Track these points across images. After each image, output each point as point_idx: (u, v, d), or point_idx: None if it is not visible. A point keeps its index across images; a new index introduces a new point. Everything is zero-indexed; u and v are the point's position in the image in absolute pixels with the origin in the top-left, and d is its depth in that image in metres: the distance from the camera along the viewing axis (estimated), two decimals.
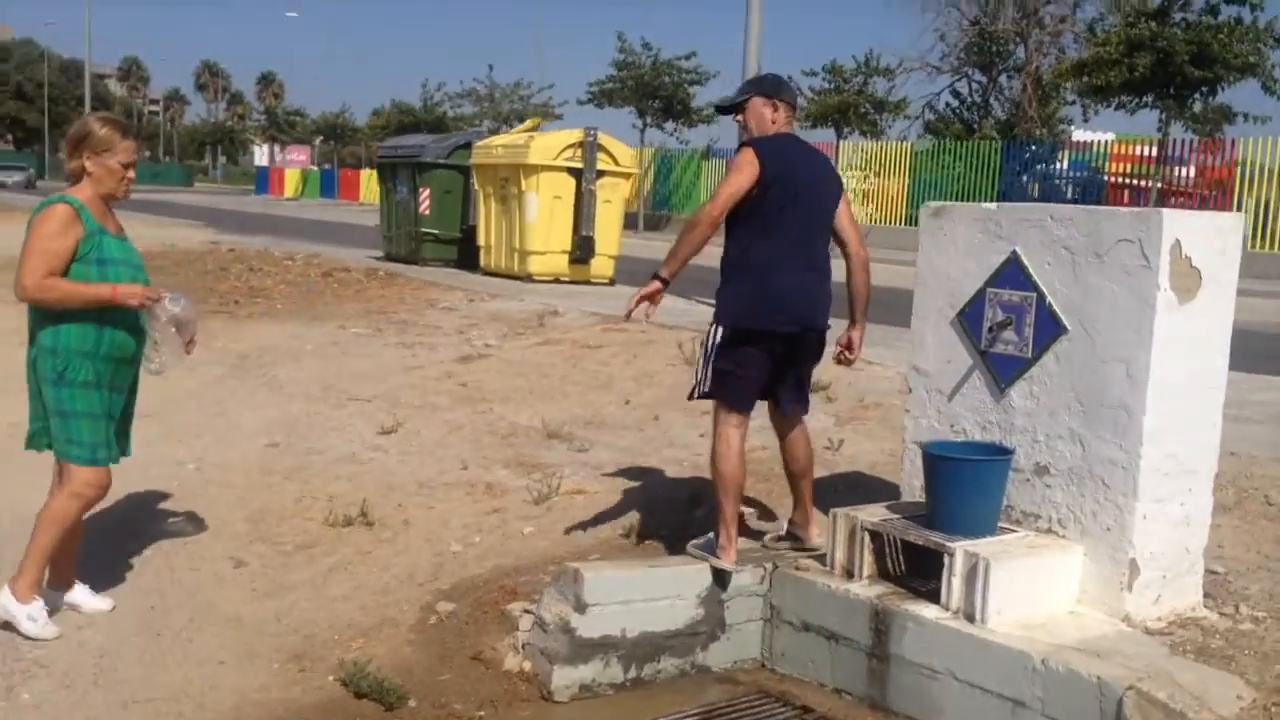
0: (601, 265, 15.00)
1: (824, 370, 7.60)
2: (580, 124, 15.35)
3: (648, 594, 4.51)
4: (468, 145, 16.28)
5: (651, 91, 36.37)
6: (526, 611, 4.54)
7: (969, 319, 4.68)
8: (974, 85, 40.15)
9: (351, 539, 5.31)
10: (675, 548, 5.14)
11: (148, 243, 19.37)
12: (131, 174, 4.57)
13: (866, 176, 33.32)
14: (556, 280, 14.65)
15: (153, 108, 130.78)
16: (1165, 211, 4.07)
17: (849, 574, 4.59)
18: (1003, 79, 40.51)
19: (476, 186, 15.60)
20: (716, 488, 4.77)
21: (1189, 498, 4.30)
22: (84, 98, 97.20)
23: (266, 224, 31.35)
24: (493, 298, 12.50)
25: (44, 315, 4.41)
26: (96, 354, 4.41)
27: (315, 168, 73.62)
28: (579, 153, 14.51)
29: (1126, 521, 4.17)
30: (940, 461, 4.38)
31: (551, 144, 14.66)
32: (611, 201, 14.98)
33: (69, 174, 4.54)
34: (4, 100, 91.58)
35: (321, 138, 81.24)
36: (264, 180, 70.60)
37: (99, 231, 4.44)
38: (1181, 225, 4.09)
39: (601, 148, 14.76)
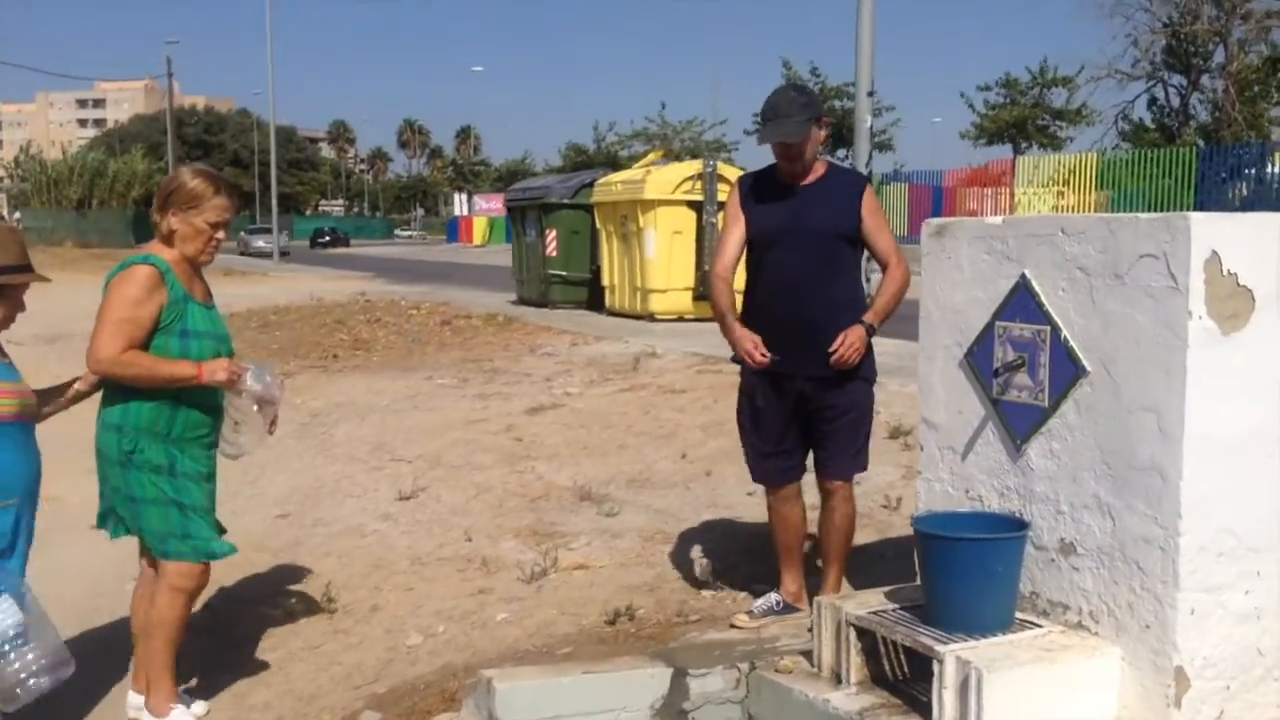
0: None
1: (907, 415, 6.75)
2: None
3: (584, 707, 3.76)
4: (593, 184, 15.84)
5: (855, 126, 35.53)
6: None
7: (978, 359, 3.79)
8: (1170, 90, 37.64)
9: (305, 631, 4.77)
10: (670, 633, 4.40)
11: (296, 295, 19.85)
12: (220, 235, 3.99)
13: (1061, 193, 31.51)
14: (680, 318, 14.00)
15: (362, 166, 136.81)
16: (1195, 216, 3.13)
17: (837, 678, 3.75)
18: (1204, 80, 37.89)
19: (599, 225, 15.13)
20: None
21: (1256, 584, 3.30)
22: (297, 161, 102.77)
23: (435, 272, 31.88)
24: (598, 340, 11.96)
25: (113, 388, 3.92)
26: (169, 435, 3.89)
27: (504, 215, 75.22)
28: (698, 185, 13.86)
29: (1168, 617, 3.22)
30: (931, 541, 3.51)
31: (669, 177, 14.06)
32: None
33: (156, 231, 4.01)
34: (222, 167, 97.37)
35: (505, 185, 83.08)
36: (454, 229, 72.60)
37: (184, 299, 3.91)
38: (1219, 233, 3.15)
39: (722, 178, 14.06)
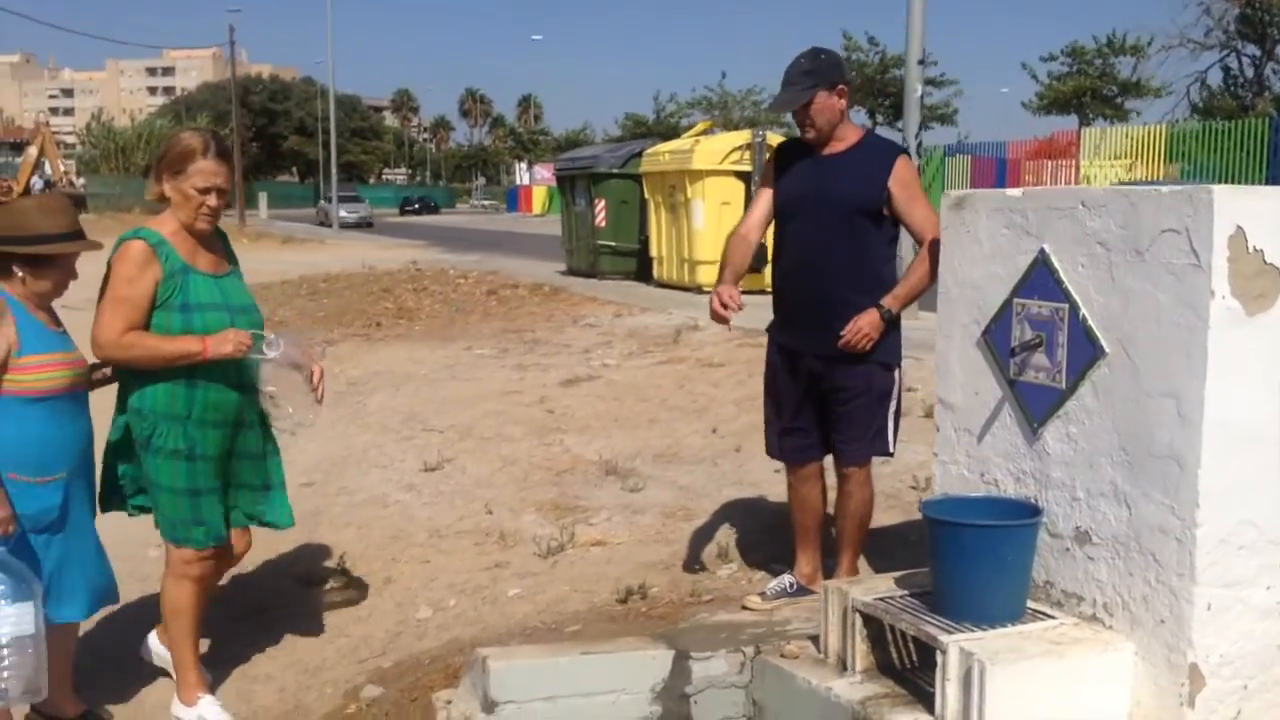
0: None
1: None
2: None
3: (582, 688, 3.68)
4: (642, 154, 15.69)
5: (880, 89, 34.93)
6: (450, 703, 3.82)
7: (996, 338, 3.65)
8: (1244, 60, 36.55)
9: (317, 600, 4.73)
10: (681, 613, 4.31)
11: (349, 263, 19.96)
12: (211, 201, 3.70)
13: (1131, 165, 30.75)
14: None
15: (425, 135, 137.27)
16: (1218, 189, 2.96)
17: (843, 665, 3.64)
18: (1279, 50, 36.76)
19: (647, 195, 14.99)
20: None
21: (1278, 579, 3.14)
22: (360, 130, 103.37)
23: (491, 241, 31.92)
24: (643, 312, 11.85)
25: (131, 372, 3.77)
26: (188, 418, 3.71)
27: None
28: (747, 155, 13.66)
29: (1183, 612, 3.07)
30: (939, 527, 3.38)
31: (717, 147, 13.88)
32: None
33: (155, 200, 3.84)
34: (288, 135, 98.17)
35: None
36: (514, 199, 72.74)
37: (183, 270, 3.70)
38: (1244, 207, 2.97)
39: (771, 148, 13.84)
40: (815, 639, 3.82)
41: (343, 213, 45.70)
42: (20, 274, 3.63)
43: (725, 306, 4.11)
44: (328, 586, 4.82)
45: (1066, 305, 3.37)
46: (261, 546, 5.36)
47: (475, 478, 6.20)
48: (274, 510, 4.04)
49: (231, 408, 3.81)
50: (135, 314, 3.65)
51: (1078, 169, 29.82)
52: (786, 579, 4.40)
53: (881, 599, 3.57)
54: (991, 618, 3.31)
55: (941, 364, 3.89)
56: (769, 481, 5.86)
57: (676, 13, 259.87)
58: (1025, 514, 3.41)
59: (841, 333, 4.09)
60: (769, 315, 4.49)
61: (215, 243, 3.92)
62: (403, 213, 66.93)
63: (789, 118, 4.95)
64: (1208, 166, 28.20)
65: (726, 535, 5.07)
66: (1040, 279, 3.46)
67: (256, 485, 3.99)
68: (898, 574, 3.82)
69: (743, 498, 5.61)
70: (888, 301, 4.18)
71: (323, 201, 50.77)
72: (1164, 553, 3.11)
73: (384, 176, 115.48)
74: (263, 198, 57.42)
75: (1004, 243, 3.60)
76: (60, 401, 3.64)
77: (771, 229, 4.49)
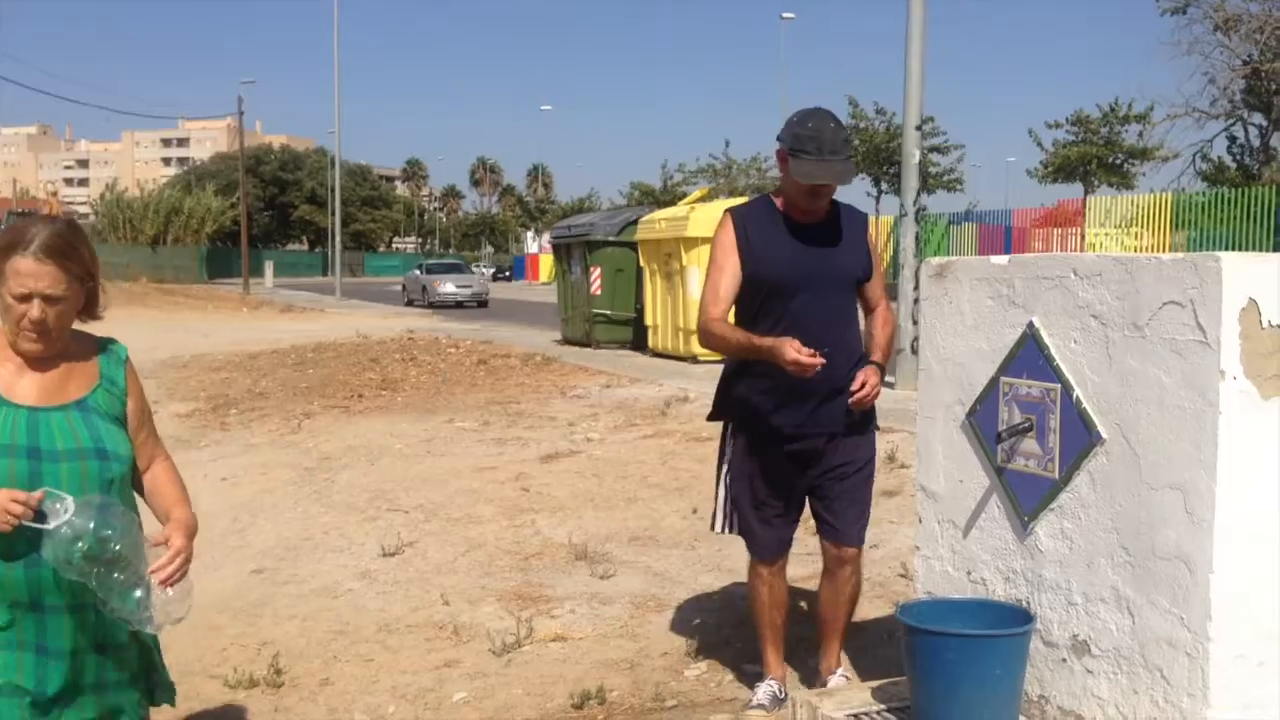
0: None
1: None
2: None
3: None
4: (638, 221, 15.44)
5: (886, 157, 34.81)
6: None
7: (982, 421, 3.28)
8: (1250, 129, 36.38)
9: (242, 708, 4.31)
10: None
11: (344, 332, 19.68)
12: (34, 313, 2.58)
13: (1137, 234, 30.47)
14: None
15: (435, 204, 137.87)
16: (1227, 256, 2.60)
17: None
18: None
19: (642, 264, 14.70)
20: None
21: None
22: (370, 199, 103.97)
23: (493, 310, 31.67)
24: (633, 383, 11.50)
25: None
26: None
27: None
28: None
29: None
30: (917, 635, 2.98)
31: (714, 214, 13.53)
32: None
33: None
34: (299, 204, 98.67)
35: None
36: (520, 267, 72.74)
37: None
38: (1257, 276, 2.61)
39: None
40: None
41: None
42: None
43: (812, 354, 3.61)
44: (257, 690, 4.39)
45: (1059, 385, 3.00)
46: (198, 642, 4.98)
47: (436, 563, 5.80)
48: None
49: (20, 588, 2.59)
50: None
51: (1083, 237, 29.57)
52: (774, 686, 3.97)
53: (855, 715, 3.18)
54: None
55: (923, 448, 3.52)
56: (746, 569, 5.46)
57: (684, 82, 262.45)
58: (1015, 621, 3.01)
59: (852, 390, 3.70)
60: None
61: (76, 364, 2.77)
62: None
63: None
64: (1214, 235, 27.91)
65: (697, 631, 4.67)
66: (1029, 356, 3.10)
67: (110, 683, 2.76)
68: (876, 684, 3.42)
69: (719, 586, 5.21)
70: (876, 357, 3.87)
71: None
72: (1173, 669, 2.71)
73: (394, 245, 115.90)
74: (269, 266, 57.44)
75: (989, 315, 3.25)
76: None
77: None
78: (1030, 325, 3.09)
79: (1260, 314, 2.60)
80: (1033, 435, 3.09)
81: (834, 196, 3.95)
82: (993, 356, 3.23)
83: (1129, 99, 32.24)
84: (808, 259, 3.84)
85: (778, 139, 3.87)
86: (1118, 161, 31.13)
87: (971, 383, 3.31)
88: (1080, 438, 2.94)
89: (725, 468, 4.12)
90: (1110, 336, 2.86)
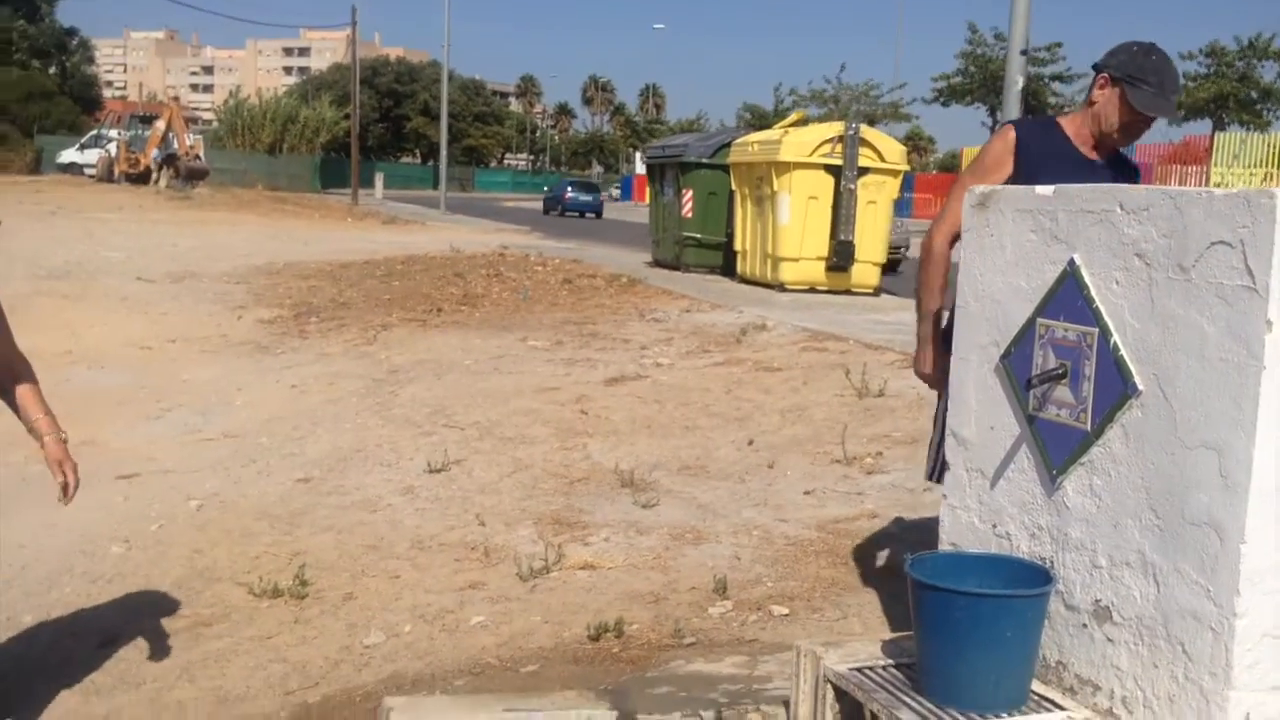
0: (864, 273, 13.36)
1: None
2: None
3: None
4: (732, 144, 15.08)
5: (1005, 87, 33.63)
6: None
7: (1016, 365, 3.04)
8: None
9: (265, 616, 4.30)
10: (655, 658, 3.79)
11: (439, 245, 19.72)
12: None
13: (1269, 175, 29.06)
14: (812, 289, 13.19)
15: (549, 122, 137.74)
16: None
17: None
18: None
19: (734, 187, 14.39)
20: None
21: None
22: (483, 114, 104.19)
23: (593, 229, 31.59)
24: (714, 308, 11.29)
25: None
26: None
27: None
28: (838, 148, 12.97)
29: None
30: (924, 591, 2.79)
31: (807, 139, 13.21)
32: (877, 202, 13.31)
33: None
34: (414, 117, 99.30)
35: None
36: (628, 187, 72.43)
37: None
38: None
39: (865, 142, 13.15)
40: (788, 704, 3.27)
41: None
42: None
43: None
44: (281, 600, 4.38)
45: (1096, 330, 2.75)
46: (233, 548, 5.00)
47: (480, 482, 5.74)
48: None
49: None
50: None
51: (1208, 177, 28.29)
52: None
53: (859, 669, 3.00)
54: (984, 705, 2.73)
55: (955, 391, 3.29)
56: (794, 504, 5.31)
57: (799, 4, 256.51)
58: (1034, 580, 2.81)
59: None
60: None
61: None
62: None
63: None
64: None
65: (729, 567, 4.52)
66: (1068, 296, 2.85)
67: None
68: (888, 637, 3.24)
69: (760, 522, 5.05)
70: None
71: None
72: (1195, 644, 2.48)
73: (505, 161, 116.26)
74: (379, 178, 57.96)
75: (1030, 250, 2.99)
76: None
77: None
78: (1071, 263, 2.83)
79: None
80: (1066, 383, 2.85)
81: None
82: (1031, 295, 2.98)
83: (1272, 32, 30.50)
84: None
85: (1096, 67, 3.57)
86: (1252, 99, 29.52)
87: (1008, 323, 3.07)
88: (1115, 388, 2.70)
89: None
90: (1154, 278, 2.60)
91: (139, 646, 4.08)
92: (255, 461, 6.30)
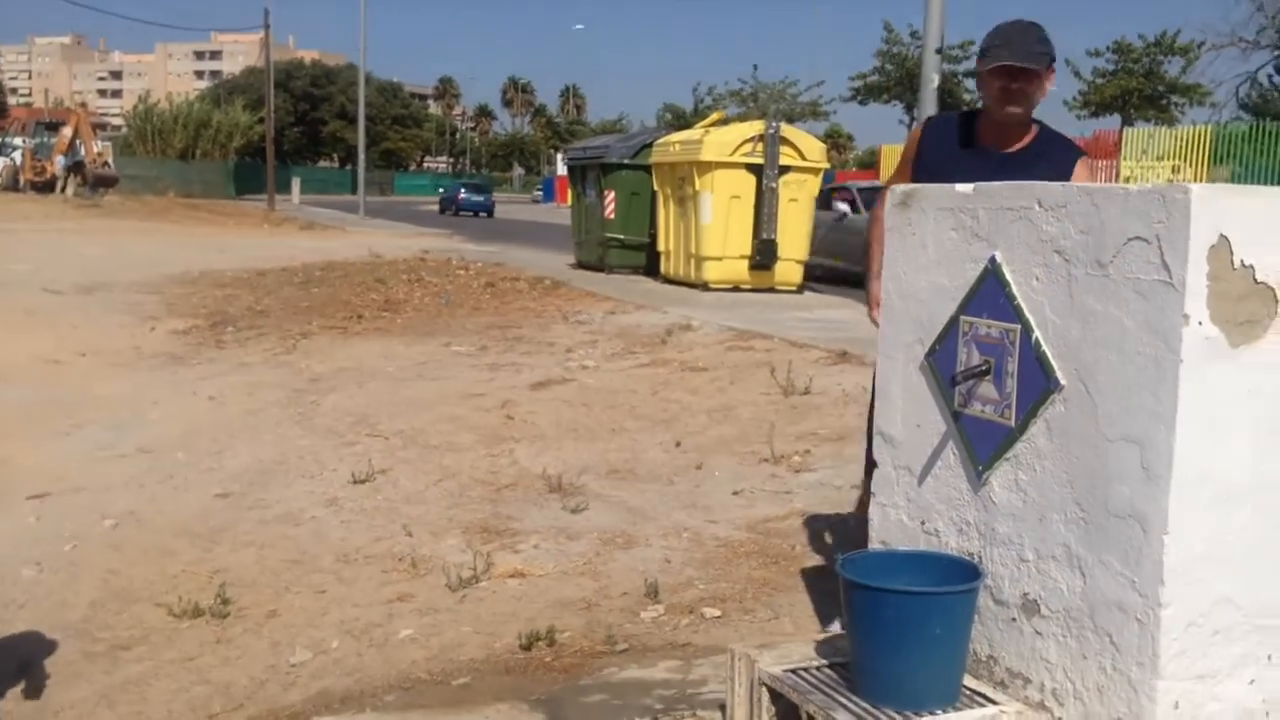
0: (787, 271, 13.45)
1: None
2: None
3: None
4: (653, 144, 15.09)
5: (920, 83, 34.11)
6: None
7: (940, 363, 3.06)
8: None
9: (186, 637, 4.20)
10: (589, 665, 3.76)
11: (358, 251, 19.51)
12: None
13: (1176, 167, 29.72)
14: (736, 288, 13.24)
15: (468, 124, 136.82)
16: (1197, 188, 2.35)
17: None
18: None
19: (656, 188, 14.40)
20: None
21: (1265, 671, 2.54)
22: (401, 117, 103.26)
23: (515, 231, 31.45)
24: (638, 309, 11.28)
25: None
26: None
27: None
28: (759, 147, 13.04)
29: (1144, 710, 2.48)
30: (855, 591, 2.80)
31: (728, 138, 13.27)
32: (798, 200, 13.40)
33: None
34: (331, 120, 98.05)
35: None
36: (549, 189, 72.22)
37: None
38: (1229, 210, 2.37)
39: (785, 140, 13.24)
40: (724, 708, 3.26)
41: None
42: None
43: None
44: (202, 620, 4.27)
45: (1018, 326, 2.77)
46: (150, 568, 4.88)
47: (406, 492, 5.66)
48: None
49: None
50: None
51: (1118, 172, 28.89)
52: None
53: (794, 670, 3.00)
54: (917, 703, 2.74)
55: (881, 390, 3.30)
56: (724, 505, 5.31)
57: (717, 4, 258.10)
58: (962, 576, 2.82)
59: None
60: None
61: None
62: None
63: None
64: (1258, 168, 27.17)
65: (660, 571, 4.50)
66: (990, 293, 2.87)
67: None
68: (820, 637, 3.25)
69: (690, 525, 5.04)
70: None
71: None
72: (1122, 635, 2.51)
73: (425, 165, 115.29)
74: (296, 183, 57.17)
75: (951, 248, 3.01)
76: None
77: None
78: (992, 260, 2.86)
79: (1232, 253, 2.36)
80: (990, 379, 2.87)
81: (1043, 123, 3.65)
82: (954, 293, 3.00)
83: (1174, 30, 31.26)
84: None
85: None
86: (1158, 94, 30.23)
87: (932, 321, 3.08)
88: (1038, 383, 2.72)
89: None
90: (1073, 274, 2.63)
91: (54, 673, 3.94)
92: (172, 477, 6.15)
